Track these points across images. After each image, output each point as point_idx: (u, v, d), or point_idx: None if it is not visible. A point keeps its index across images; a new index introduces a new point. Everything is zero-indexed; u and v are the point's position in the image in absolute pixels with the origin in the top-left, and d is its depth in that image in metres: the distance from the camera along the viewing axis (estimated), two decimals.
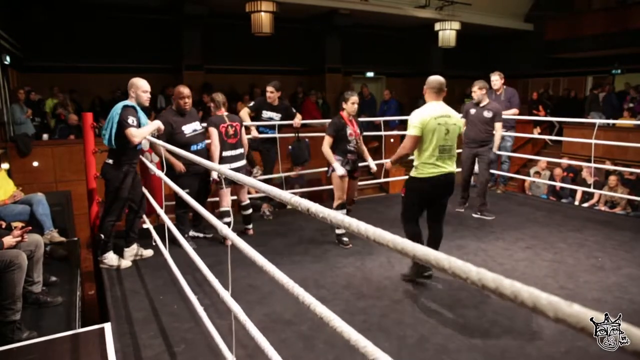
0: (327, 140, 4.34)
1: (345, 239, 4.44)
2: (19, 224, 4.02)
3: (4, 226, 3.55)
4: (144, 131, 3.83)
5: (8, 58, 8.05)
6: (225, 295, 2.02)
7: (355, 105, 4.36)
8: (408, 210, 3.59)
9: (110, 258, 3.95)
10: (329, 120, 5.14)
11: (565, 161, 8.98)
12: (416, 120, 3.37)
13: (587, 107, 11.75)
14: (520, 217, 5.48)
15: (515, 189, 8.81)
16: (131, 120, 3.73)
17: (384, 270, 3.86)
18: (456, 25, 11.84)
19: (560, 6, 13.82)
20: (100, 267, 3.97)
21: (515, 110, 6.24)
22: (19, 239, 2.99)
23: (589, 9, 13.71)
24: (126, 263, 3.99)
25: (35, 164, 7.50)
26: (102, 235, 3.93)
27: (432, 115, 3.34)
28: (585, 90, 14.27)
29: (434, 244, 3.61)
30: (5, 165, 4.85)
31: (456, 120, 3.46)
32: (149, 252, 4.19)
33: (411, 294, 3.43)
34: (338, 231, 4.50)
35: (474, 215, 5.46)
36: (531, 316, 2.94)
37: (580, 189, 8.12)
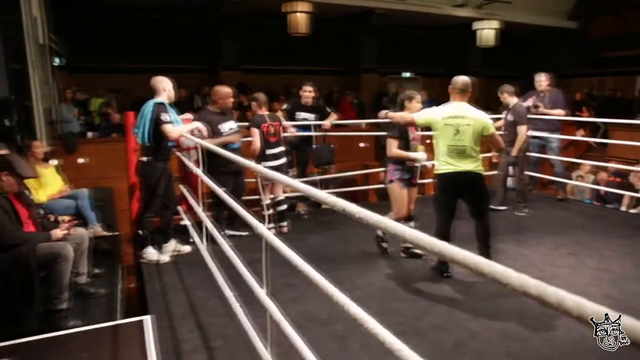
0: (394, 144, 3.92)
1: (384, 244, 4.17)
2: (67, 218, 4.21)
3: (52, 219, 3.73)
4: (181, 129, 3.94)
5: (58, 60, 8.43)
6: (261, 293, 2.05)
7: (420, 105, 4.02)
8: (434, 203, 3.79)
9: (150, 253, 4.08)
10: (365, 121, 5.04)
11: (612, 165, 8.60)
12: (426, 114, 3.66)
13: (638, 108, 11.22)
14: (563, 222, 5.30)
15: (556, 193, 8.51)
16: (166, 117, 3.83)
17: (419, 273, 3.82)
18: (495, 24, 11.56)
19: (606, 2, 13.23)
20: (140, 261, 4.10)
21: (560, 111, 5.99)
22: (67, 232, 3.13)
23: (637, 4, 13.07)
24: (165, 258, 4.11)
25: (81, 160, 7.81)
26: (142, 231, 4.06)
27: (442, 115, 3.52)
28: (634, 90, 13.62)
29: (480, 238, 3.66)
30: (55, 161, 5.08)
31: (472, 121, 3.44)
32: (187, 248, 4.30)
33: (447, 297, 3.38)
34: (380, 232, 4.13)
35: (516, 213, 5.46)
36: (574, 325, 2.84)
37: (627, 194, 7.76)
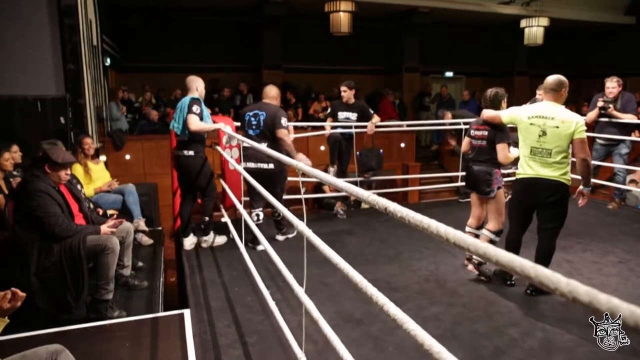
0: (507, 149, 3.53)
1: (487, 269, 3.67)
2: (114, 212, 4.39)
3: (101, 213, 3.89)
4: (203, 125, 4.13)
5: (108, 60, 8.79)
6: (300, 291, 2.05)
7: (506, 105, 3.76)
8: (509, 209, 3.57)
9: (210, 238, 4.45)
10: (405, 122, 4.86)
11: None
12: (512, 111, 3.46)
13: None
14: (612, 228, 5.05)
15: (606, 198, 8.15)
16: (195, 108, 4.05)
17: (458, 276, 3.74)
18: (544, 21, 11.13)
19: None
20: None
21: (631, 115, 5.55)
22: (114, 229, 3.24)
23: None
24: (221, 240, 4.50)
25: (127, 157, 8.10)
26: (207, 218, 4.38)
27: (527, 114, 3.30)
28: None
29: (538, 256, 3.36)
30: (103, 158, 5.30)
31: (560, 123, 3.13)
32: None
33: (487, 303, 3.28)
34: (478, 257, 3.84)
35: None
36: (625, 337, 2.69)
37: None
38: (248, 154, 4.29)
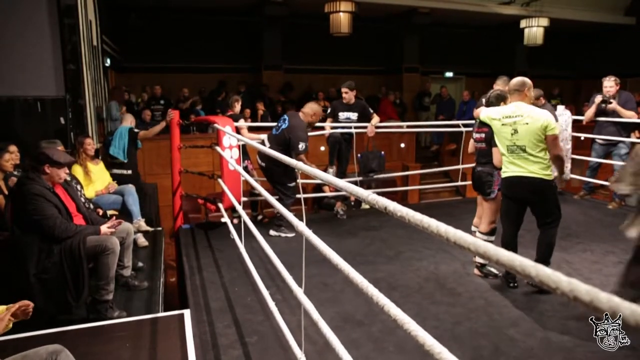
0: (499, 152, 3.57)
1: (493, 269, 3.71)
2: (115, 213, 4.38)
3: (101, 213, 3.89)
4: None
5: (108, 60, 8.79)
6: (299, 292, 2.05)
7: None
8: (501, 212, 3.64)
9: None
10: (405, 123, 4.81)
11: None
12: (487, 111, 3.60)
13: None
14: (612, 228, 5.02)
15: (606, 198, 8.16)
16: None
17: (458, 277, 3.73)
18: (544, 21, 11.13)
19: None
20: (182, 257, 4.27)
21: (632, 113, 5.53)
22: (113, 230, 3.24)
23: None
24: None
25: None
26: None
27: (497, 116, 3.42)
28: None
29: (539, 250, 3.46)
30: None
31: (530, 119, 3.24)
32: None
33: (487, 303, 3.28)
34: (479, 260, 3.70)
35: None
36: (625, 337, 2.69)
37: None
38: (260, 154, 4.72)
